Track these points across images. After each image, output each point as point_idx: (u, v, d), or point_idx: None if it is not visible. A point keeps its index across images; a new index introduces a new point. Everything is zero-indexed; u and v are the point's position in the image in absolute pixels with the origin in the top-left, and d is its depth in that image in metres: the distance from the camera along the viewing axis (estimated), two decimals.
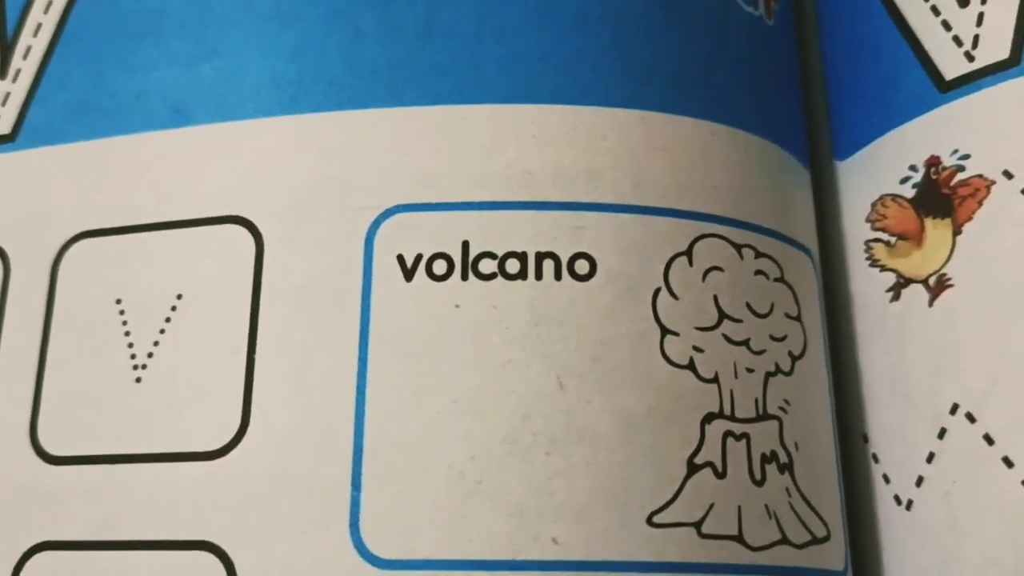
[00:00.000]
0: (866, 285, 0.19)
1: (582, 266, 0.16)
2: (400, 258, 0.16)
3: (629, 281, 0.16)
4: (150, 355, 0.17)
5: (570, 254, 0.16)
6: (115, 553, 0.16)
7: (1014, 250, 0.16)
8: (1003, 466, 0.16)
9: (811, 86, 0.21)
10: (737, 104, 0.18)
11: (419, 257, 0.16)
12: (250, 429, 0.16)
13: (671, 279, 0.16)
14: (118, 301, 0.17)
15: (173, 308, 0.17)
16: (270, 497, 0.16)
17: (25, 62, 0.19)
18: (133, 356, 0.17)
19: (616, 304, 0.16)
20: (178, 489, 0.16)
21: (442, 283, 0.16)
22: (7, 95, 0.19)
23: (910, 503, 0.17)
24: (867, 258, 0.19)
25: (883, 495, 0.18)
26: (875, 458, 0.18)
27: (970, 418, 0.16)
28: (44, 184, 0.18)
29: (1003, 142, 0.17)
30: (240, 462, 0.16)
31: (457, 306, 0.16)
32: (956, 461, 0.16)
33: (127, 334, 0.17)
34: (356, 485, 0.15)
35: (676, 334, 0.16)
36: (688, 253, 0.17)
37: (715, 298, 0.16)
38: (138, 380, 0.17)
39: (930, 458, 0.17)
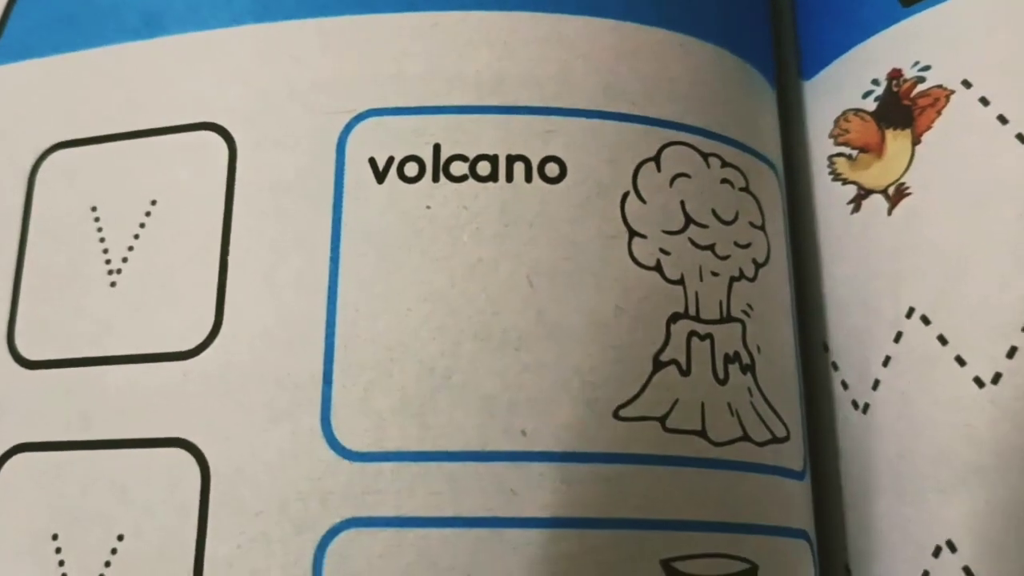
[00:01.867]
0: (828, 198, 0.19)
1: (552, 169, 0.16)
2: (372, 161, 0.16)
3: (598, 184, 0.16)
4: (124, 260, 0.17)
5: (540, 157, 0.16)
6: (90, 452, 0.16)
7: (971, 157, 0.17)
8: (956, 365, 0.16)
9: (779, 6, 0.21)
10: (708, 18, 0.18)
11: (391, 159, 0.16)
12: (223, 328, 0.16)
13: (639, 183, 0.17)
14: (93, 208, 0.17)
15: (147, 214, 0.17)
16: (242, 394, 0.16)
17: None
18: (108, 261, 0.17)
19: (585, 206, 0.16)
20: (152, 388, 0.16)
21: (414, 185, 0.16)
22: None
23: (867, 406, 0.18)
24: (830, 172, 0.19)
25: (841, 401, 0.18)
26: (834, 366, 0.18)
27: (925, 320, 0.17)
28: (21, 97, 0.18)
29: (962, 52, 0.17)
30: (213, 361, 0.16)
31: (428, 207, 0.16)
32: (911, 362, 0.17)
33: (102, 240, 0.17)
34: (327, 380, 0.15)
35: (644, 236, 0.16)
36: (656, 159, 0.17)
37: (682, 203, 0.17)
38: (112, 284, 0.17)
39: (886, 361, 0.17)
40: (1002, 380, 0.16)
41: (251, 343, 0.16)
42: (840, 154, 0.19)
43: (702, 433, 0.16)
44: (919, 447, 0.16)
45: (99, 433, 0.16)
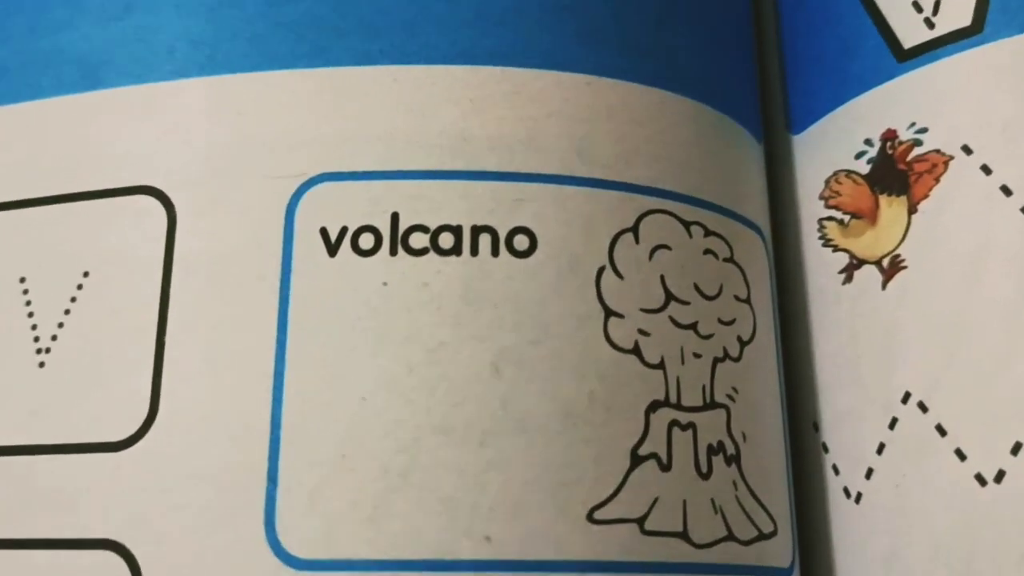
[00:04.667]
0: (818, 266, 0.18)
1: (521, 241, 0.15)
2: (324, 231, 0.15)
3: (571, 258, 0.15)
4: (54, 337, 0.15)
5: (508, 228, 0.15)
6: (12, 552, 0.15)
7: (970, 231, 0.16)
8: (955, 459, 0.15)
9: (766, 56, 0.20)
10: (688, 72, 0.17)
11: (344, 230, 0.15)
12: (159, 417, 0.15)
13: (616, 257, 0.15)
14: (22, 280, 0.16)
15: (79, 287, 0.16)
16: (178, 492, 0.14)
17: None
18: (37, 339, 0.16)
19: (557, 283, 0.15)
20: (80, 483, 0.15)
21: (369, 258, 0.15)
22: None
23: (859, 496, 0.16)
24: (820, 237, 0.18)
25: (833, 487, 0.17)
26: (825, 447, 0.17)
27: (922, 407, 0.16)
28: None
29: (963, 115, 0.16)
30: (147, 453, 0.14)
31: (385, 284, 0.15)
32: (907, 452, 0.16)
33: (31, 315, 0.16)
34: (272, 479, 0.14)
35: (621, 316, 0.15)
36: (634, 230, 0.16)
37: (662, 278, 0.15)
38: (41, 365, 0.15)
39: (880, 449, 0.16)
40: (1006, 479, 0.14)
41: (188, 435, 0.14)
42: (831, 218, 0.18)
43: (683, 535, 0.14)
44: (913, 543, 0.15)
45: (24, 531, 0.15)
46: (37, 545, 0.15)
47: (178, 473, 0.14)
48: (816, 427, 0.17)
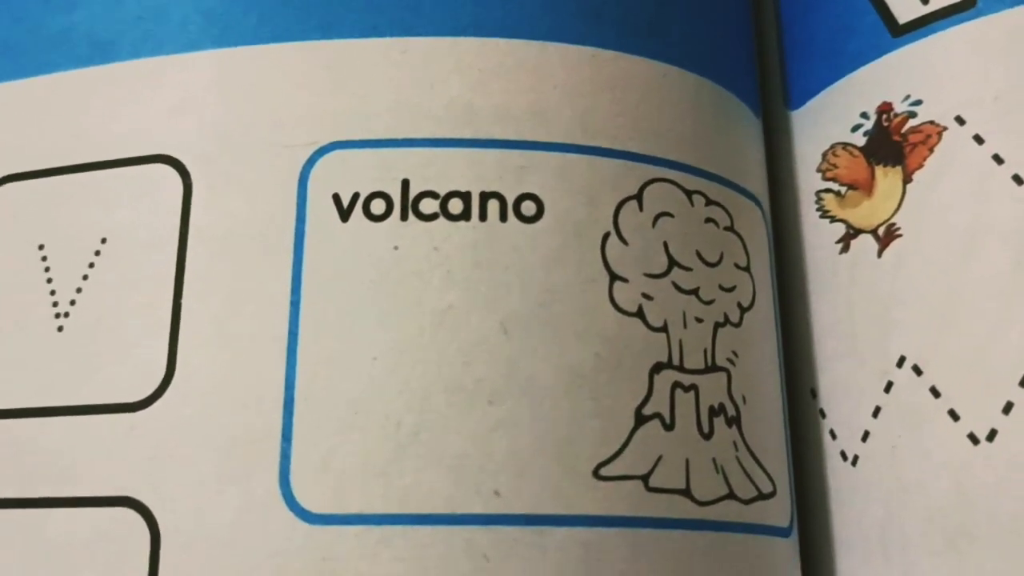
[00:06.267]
0: (816, 236, 0.18)
1: (528, 207, 0.15)
2: (336, 197, 0.15)
3: (577, 225, 0.15)
4: (72, 303, 0.16)
5: (516, 195, 0.15)
6: (33, 511, 0.15)
7: (963, 198, 0.16)
8: (949, 419, 0.15)
9: (764, 34, 0.20)
10: (690, 46, 0.17)
11: (356, 196, 0.15)
12: (175, 379, 0.15)
13: (621, 224, 0.16)
14: (41, 247, 0.16)
15: (97, 253, 0.16)
16: (194, 449, 0.15)
17: None
18: (55, 304, 0.16)
19: (563, 248, 0.15)
20: (99, 443, 0.15)
21: (380, 224, 0.15)
22: None
23: (856, 459, 0.17)
24: (817, 209, 0.18)
25: (830, 451, 0.17)
26: (822, 413, 0.18)
27: (916, 371, 0.16)
28: None
29: (956, 87, 0.16)
30: (164, 413, 0.15)
31: (396, 248, 0.15)
32: (902, 415, 0.16)
33: (49, 281, 0.16)
34: (286, 436, 0.14)
35: (625, 280, 0.15)
36: (638, 197, 0.16)
37: (665, 245, 0.16)
38: (60, 329, 0.16)
39: (876, 412, 0.17)
40: (997, 438, 0.15)
41: (204, 395, 0.15)
42: (828, 190, 0.18)
43: (686, 492, 0.15)
44: (909, 507, 0.16)
45: (44, 490, 0.15)
46: (57, 503, 0.15)
47: (194, 432, 0.15)
48: (814, 393, 0.18)
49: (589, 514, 0.14)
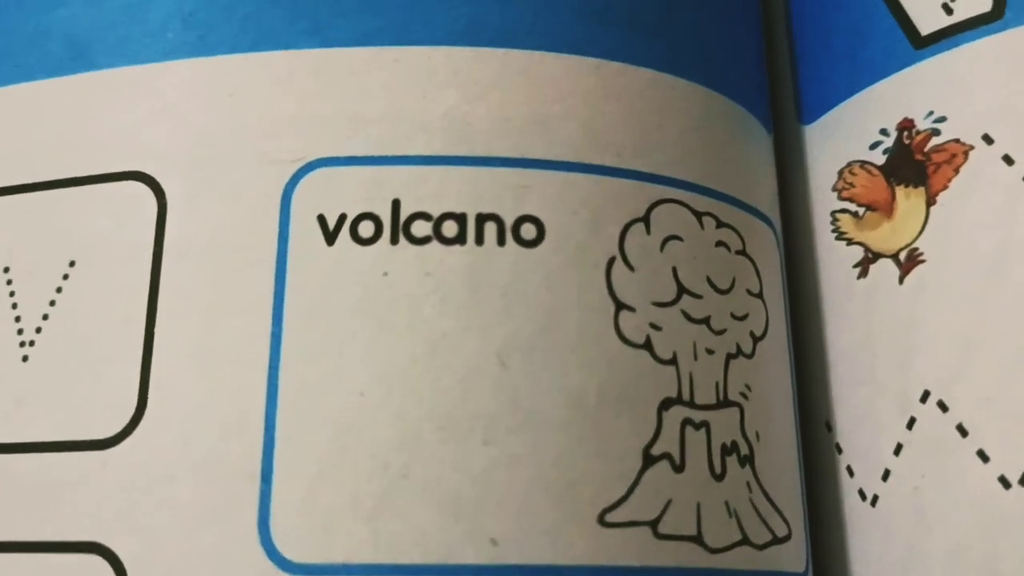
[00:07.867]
0: (831, 260, 0.17)
1: (528, 230, 0.14)
2: (321, 218, 0.14)
3: (580, 248, 0.14)
4: (38, 330, 0.15)
5: (515, 216, 0.14)
6: None
7: (991, 222, 0.15)
8: (978, 460, 0.14)
9: (775, 43, 0.19)
10: (699, 57, 0.16)
11: (343, 217, 0.14)
12: (147, 413, 0.14)
13: (627, 248, 0.15)
14: (6, 269, 0.15)
15: (65, 276, 0.15)
16: (167, 492, 0.13)
17: None
18: (20, 331, 0.15)
19: (566, 273, 0.14)
20: (65, 483, 0.14)
21: (369, 247, 0.14)
22: None
23: (875, 499, 0.16)
24: (833, 230, 0.17)
25: (847, 489, 0.16)
26: (839, 448, 0.17)
27: (942, 407, 0.15)
28: None
29: (983, 104, 0.15)
30: (135, 451, 0.14)
31: (385, 273, 0.14)
32: (926, 454, 0.15)
33: (14, 306, 0.15)
34: (266, 477, 0.13)
35: (632, 309, 0.14)
36: (645, 219, 0.15)
37: (674, 270, 0.15)
38: (24, 359, 0.15)
39: (897, 450, 0.16)
40: None
41: (178, 430, 0.14)
42: (845, 210, 0.17)
43: (698, 539, 0.14)
44: (933, 550, 0.15)
45: (5, 534, 0.14)
46: (20, 548, 0.14)
47: (167, 472, 0.14)
48: (829, 427, 0.17)
49: (594, 564, 0.13)
